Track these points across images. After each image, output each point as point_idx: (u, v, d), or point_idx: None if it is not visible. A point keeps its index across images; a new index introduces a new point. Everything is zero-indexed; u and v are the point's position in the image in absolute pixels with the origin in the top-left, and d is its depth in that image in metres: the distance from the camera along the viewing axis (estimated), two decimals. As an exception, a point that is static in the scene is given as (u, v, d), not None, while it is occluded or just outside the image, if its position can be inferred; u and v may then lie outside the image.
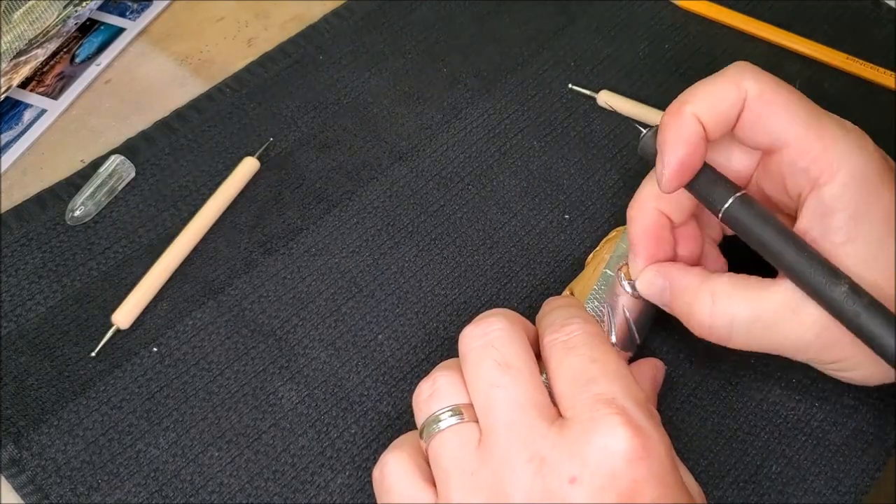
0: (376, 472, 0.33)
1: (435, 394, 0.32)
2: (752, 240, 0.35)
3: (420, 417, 0.32)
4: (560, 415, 0.31)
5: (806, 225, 0.34)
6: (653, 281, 0.37)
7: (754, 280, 0.35)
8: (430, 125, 0.50)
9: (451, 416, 0.31)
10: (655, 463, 0.29)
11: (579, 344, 0.32)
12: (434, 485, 0.31)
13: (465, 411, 0.31)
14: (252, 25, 0.56)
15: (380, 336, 0.42)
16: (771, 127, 0.34)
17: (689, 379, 0.40)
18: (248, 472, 0.38)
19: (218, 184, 0.47)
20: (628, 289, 0.38)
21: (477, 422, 0.31)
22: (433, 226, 0.46)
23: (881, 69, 0.51)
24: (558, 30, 0.54)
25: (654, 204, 0.38)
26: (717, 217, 0.36)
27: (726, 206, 0.35)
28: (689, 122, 0.34)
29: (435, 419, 0.32)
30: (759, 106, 0.34)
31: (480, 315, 0.34)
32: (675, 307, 0.37)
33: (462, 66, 0.53)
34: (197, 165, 0.48)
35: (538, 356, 0.33)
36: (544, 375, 0.33)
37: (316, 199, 0.47)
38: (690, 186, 0.36)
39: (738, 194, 0.35)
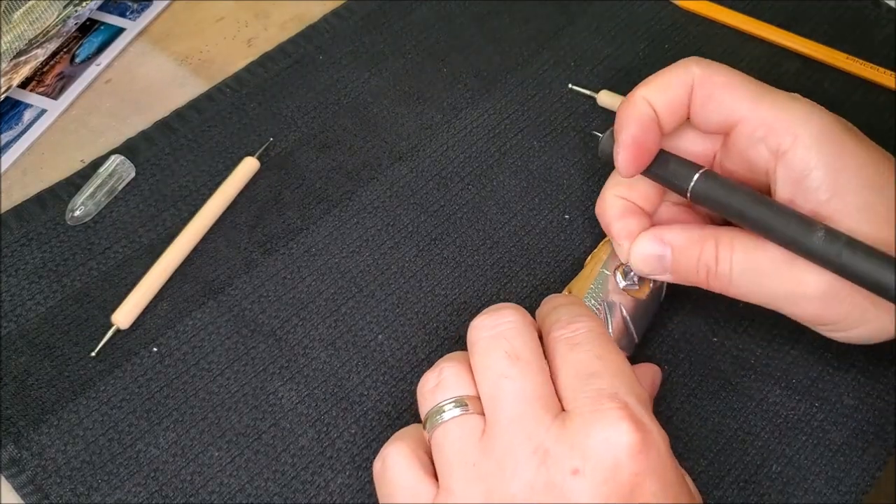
0: (377, 464, 0.33)
1: (440, 385, 0.32)
2: (725, 210, 0.36)
3: (424, 408, 0.32)
4: (563, 408, 0.31)
5: (783, 194, 0.35)
6: (646, 250, 0.37)
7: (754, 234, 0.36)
8: (430, 125, 0.50)
9: (455, 407, 0.31)
10: (655, 458, 0.29)
11: (584, 341, 0.32)
12: (435, 478, 0.31)
13: (470, 403, 0.31)
14: (252, 25, 0.56)
15: (380, 336, 0.42)
16: (722, 105, 0.36)
17: (689, 379, 0.40)
18: (248, 472, 0.38)
19: (218, 184, 0.47)
20: (622, 283, 0.39)
21: (481, 414, 0.31)
22: (433, 226, 0.46)
23: (881, 69, 0.51)
24: (558, 30, 0.54)
25: (616, 193, 0.39)
26: (686, 197, 0.36)
27: (692, 183, 0.36)
28: (640, 104, 0.36)
29: (439, 410, 0.32)
30: (707, 86, 0.36)
31: (491, 307, 0.34)
32: (679, 266, 0.37)
33: (462, 66, 0.53)
34: (197, 165, 0.48)
35: None
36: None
37: (316, 199, 0.47)
38: (653, 173, 0.37)
39: (701, 171, 0.36)
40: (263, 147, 0.48)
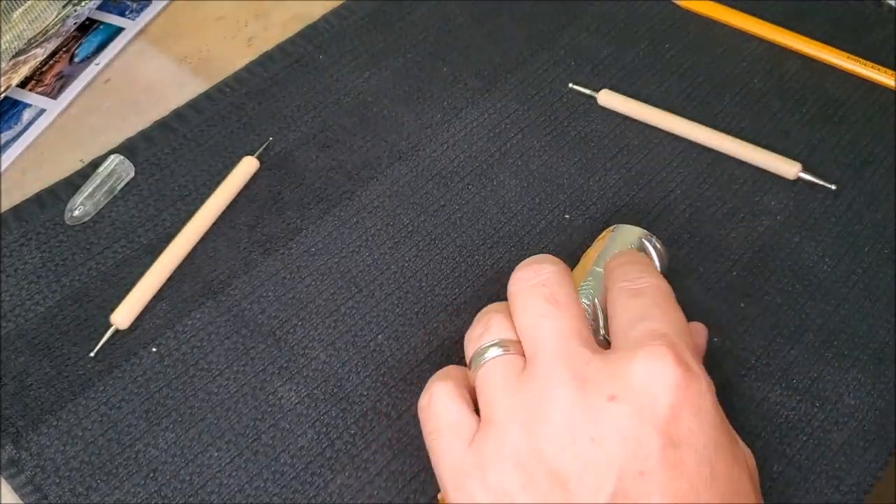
0: (423, 400, 0.34)
1: (486, 331, 0.34)
2: None
3: (469, 352, 0.34)
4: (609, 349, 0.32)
5: None
6: None
7: None
8: (430, 125, 0.50)
9: (498, 347, 0.33)
10: (696, 395, 0.30)
11: (647, 292, 0.33)
12: (478, 414, 0.33)
13: (512, 346, 0.33)
14: (252, 25, 0.56)
15: (380, 336, 0.42)
16: None
17: (690, 379, 0.40)
18: (248, 472, 0.38)
19: (217, 183, 0.47)
20: None
21: (523, 356, 0.33)
22: (433, 226, 0.46)
23: (881, 69, 0.51)
24: (558, 30, 0.54)
25: None
26: None
27: None
28: None
29: (482, 351, 0.33)
30: None
31: (530, 259, 0.35)
32: None
33: (462, 66, 0.53)
34: (196, 165, 0.48)
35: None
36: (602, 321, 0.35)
37: (316, 199, 0.47)
38: None
39: None
40: (263, 147, 0.48)
